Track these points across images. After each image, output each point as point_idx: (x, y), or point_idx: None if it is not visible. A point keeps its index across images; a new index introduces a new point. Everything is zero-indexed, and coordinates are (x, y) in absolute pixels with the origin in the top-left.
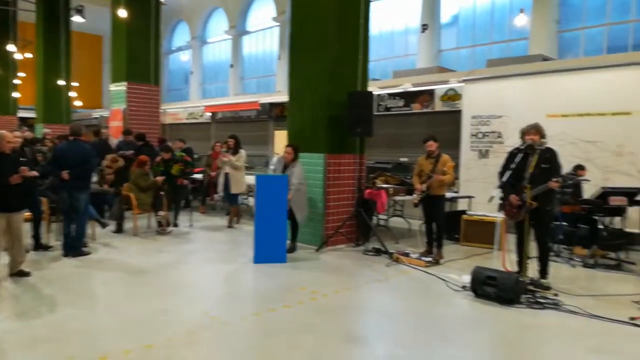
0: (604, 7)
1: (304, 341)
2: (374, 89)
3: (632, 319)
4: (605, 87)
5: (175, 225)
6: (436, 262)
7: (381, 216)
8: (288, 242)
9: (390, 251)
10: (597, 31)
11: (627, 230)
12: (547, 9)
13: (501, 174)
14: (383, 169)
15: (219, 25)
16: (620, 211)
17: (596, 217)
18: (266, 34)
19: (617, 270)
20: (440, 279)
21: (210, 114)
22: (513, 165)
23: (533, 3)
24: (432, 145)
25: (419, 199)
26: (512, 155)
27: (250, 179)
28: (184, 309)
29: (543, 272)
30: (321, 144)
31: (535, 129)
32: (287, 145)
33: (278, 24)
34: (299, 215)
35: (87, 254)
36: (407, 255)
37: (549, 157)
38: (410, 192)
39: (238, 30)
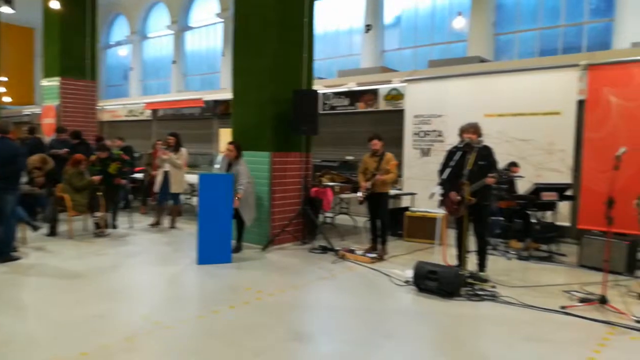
0: (537, 12)
1: (248, 341)
2: (319, 87)
3: (563, 307)
4: (537, 88)
5: (114, 226)
6: (380, 258)
7: (327, 214)
8: (233, 241)
9: (336, 248)
10: (530, 35)
11: (558, 223)
12: (484, 12)
13: (441, 171)
14: (329, 167)
15: (160, 20)
16: (551, 206)
17: (529, 212)
18: (210, 30)
19: (549, 261)
20: (385, 274)
21: (151, 112)
22: (452, 163)
23: (471, 6)
24: (376, 144)
25: (364, 197)
26: (451, 154)
27: (194, 178)
28: (122, 313)
29: (481, 265)
30: (266, 142)
31: (474, 128)
32: (229, 143)
33: (222, 20)
34: (247, 216)
35: (17, 259)
36: (352, 252)
37: (486, 155)
38: (355, 189)
39: (180, 25)
